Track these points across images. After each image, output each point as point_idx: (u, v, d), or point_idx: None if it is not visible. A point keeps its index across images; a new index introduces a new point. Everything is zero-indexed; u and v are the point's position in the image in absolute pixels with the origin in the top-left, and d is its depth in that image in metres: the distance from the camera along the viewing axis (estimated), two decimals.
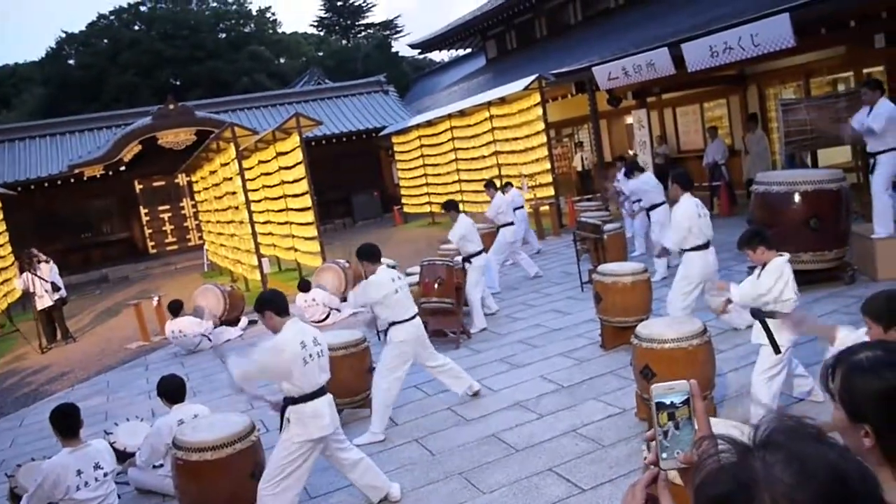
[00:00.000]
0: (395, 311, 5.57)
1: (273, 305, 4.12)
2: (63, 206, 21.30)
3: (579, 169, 19.81)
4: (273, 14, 45.97)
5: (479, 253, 8.39)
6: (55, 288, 12.04)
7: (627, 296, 6.57)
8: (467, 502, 4.36)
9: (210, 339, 10.04)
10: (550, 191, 14.87)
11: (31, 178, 20.49)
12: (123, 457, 5.40)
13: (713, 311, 5.12)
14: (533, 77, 14.26)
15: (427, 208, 20.96)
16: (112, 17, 42.16)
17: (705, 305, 6.36)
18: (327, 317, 10.11)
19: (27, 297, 12.78)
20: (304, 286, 10.36)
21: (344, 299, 10.19)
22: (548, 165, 14.88)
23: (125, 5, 42.28)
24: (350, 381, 5.89)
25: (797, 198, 7.18)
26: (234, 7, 44.91)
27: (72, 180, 20.73)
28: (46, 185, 20.72)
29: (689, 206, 6.22)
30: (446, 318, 7.86)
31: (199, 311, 10.38)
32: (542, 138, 14.80)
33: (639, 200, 10.04)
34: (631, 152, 16.29)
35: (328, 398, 4.17)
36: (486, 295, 8.74)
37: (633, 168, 9.97)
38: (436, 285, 7.77)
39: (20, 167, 21.06)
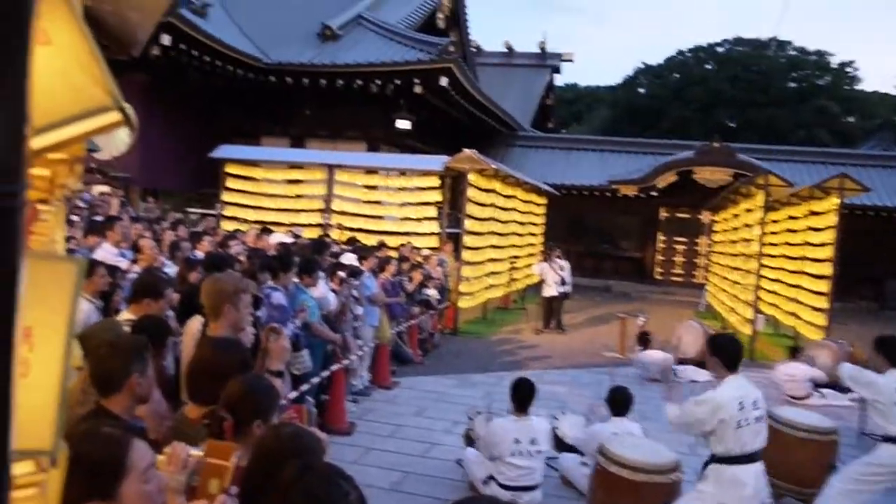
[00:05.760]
0: (893, 423, 4.70)
1: (724, 353, 3.87)
2: (592, 214, 23.53)
3: None
4: (854, 69, 42.35)
5: None
6: (563, 282, 13.40)
7: None
8: None
9: (676, 375, 10.00)
10: None
11: (574, 184, 23.04)
12: (561, 445, 5.79)
13: None
14: None
15: None
16: (688, 55, 44.36)
17: None
18: (808, 396, 9.10)
19: (540, 283, 14.48)
20: (794, 353, 9.51)
21: (829, 385, 9.08)
22: None
23: (704, 45, 44.06)
24: (803, 468, 5.21)
25: None
26: (814, 58, 42.84)
27: (607, 194, 22.65)
28: (585, 192, 23.05)
29: None
30: None
31: (675, 341, 10.45)
32: None
33: None
34: None
35: (757, 467, 3.78)
36: None
37: None
38: None
39: (569, 172, 23.85)
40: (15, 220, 0.62)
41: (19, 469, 1.22)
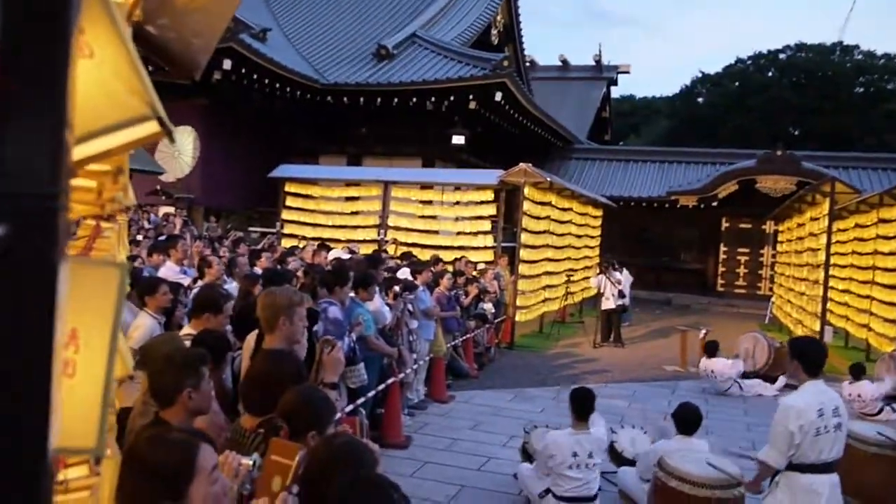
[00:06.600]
0: None
1: (806, 357, 3.72)
2: (651, 226, 23.16)
3: None
4: None
5: None
6: (621, 295, 13.19)
7: None
8: None
9: (742, 388, 9.73)
10: None
11: (632, 196, 22.72)
12: (619, 459, 5.68)
13: None
14: None
15: None
16: (748, 62, 43.39)
17: None
18: (880, 411, 8.72)
19: (598, 296, 14.31)
20: (856, 371, 9.11)
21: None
22: None
23: (765, 51, 43.08)
24: (874, 485, 4.98)
25: None
26: (882, 61, 41.39)
27: (666, 205, 22.26)
28: (644, 204, 22.71)
29: None
30: None
31: (743, 353, 10.19)
32: None
33: None
34: None
35: (833, 478, 3.62)
36: None
37: None
38: None
39: (626, 185, 23.56)
40: (54, 221, 0.64)
41: (72, 473, 1.26)
